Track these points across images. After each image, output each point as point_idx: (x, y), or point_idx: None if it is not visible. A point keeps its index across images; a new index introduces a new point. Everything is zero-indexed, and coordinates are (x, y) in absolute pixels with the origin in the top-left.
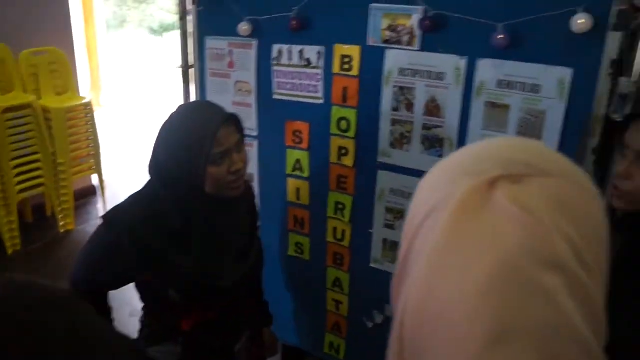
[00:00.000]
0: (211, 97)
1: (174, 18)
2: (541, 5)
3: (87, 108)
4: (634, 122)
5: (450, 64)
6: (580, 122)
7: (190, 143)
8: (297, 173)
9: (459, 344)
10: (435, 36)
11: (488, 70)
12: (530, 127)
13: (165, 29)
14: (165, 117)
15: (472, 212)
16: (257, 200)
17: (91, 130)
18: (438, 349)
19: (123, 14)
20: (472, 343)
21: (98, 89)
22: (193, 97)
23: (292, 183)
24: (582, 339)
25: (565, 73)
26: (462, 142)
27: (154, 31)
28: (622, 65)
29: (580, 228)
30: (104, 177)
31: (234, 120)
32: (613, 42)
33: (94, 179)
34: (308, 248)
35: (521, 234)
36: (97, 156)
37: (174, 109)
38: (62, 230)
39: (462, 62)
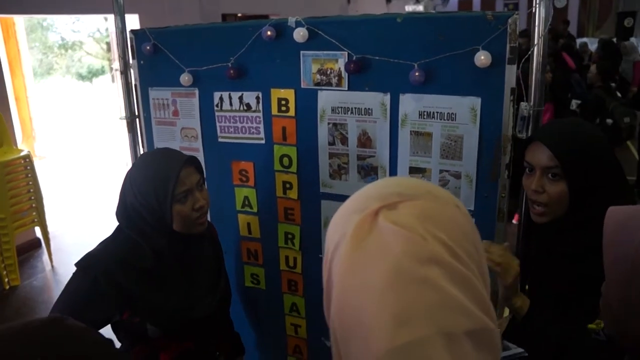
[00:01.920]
0: (158, 144)
1: (102, 63)
2: (449, 45)
3: (26, 160)
4: (533, 143)
5: (376, 100)
6: (492, 142)
7: (156, 185)
8: (247, 209)
9: (372, 334)
10: (360, 76)
11: (409, 103)
12: (451, 150)
13: (94, 74)
14: (105, 164)
15: (363, 237)
16: None
17: (32, 182)
18: (359, 340)
19: (49, 62)
20: (382, 331)
21: (31, 139)
22: (140, 146)
23: (242, 218)
24: (468, 311)
25: (475, 102)
26: (393, 167)
27: (82, 77)
28: (522, 92)
29: (448, 231)
30: (49, 229)
31: (193, 162)
32: (510, 73)
33: (37, 232)
34: (263, 277)
35: (401, 243)
36: (39, 208)
37: (113, 156)
38: (7, 287)
39: (387, 98)
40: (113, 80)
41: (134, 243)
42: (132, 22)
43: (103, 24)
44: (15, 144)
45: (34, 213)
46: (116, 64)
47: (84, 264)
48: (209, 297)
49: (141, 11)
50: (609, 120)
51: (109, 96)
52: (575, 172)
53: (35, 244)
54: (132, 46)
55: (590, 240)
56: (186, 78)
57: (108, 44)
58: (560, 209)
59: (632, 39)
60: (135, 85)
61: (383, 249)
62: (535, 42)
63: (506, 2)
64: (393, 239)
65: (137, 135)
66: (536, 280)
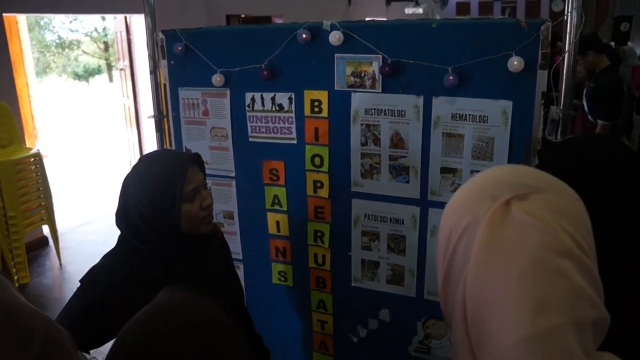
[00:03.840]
0: (187, 143)
1: (99, 62)
2: (482, 50)
3: (36, 159)
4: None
5: (410, 102)
6: (522, 144)
7: (162, 184)
8: (276, 207)
9: (510, 320)
10: (394, 79)
11: (442, 106)
12: (482, 152)
13: (90, 73)
14: (106, 162)
15: (498, 225)
16: (237, 235)
17: (41, 181)
18: (495, 325)
19: (46, 61)
20: (520, 318)
21: (33, 138)
22: (167, 144)
23: (271, 216)
24: (594, 301)
25: (507, 105)
26: (425, 168)
27: (78, 76)
28: (553, 96)
29: (574, 225)
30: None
31: (197, 161)
32: (541, 78)
33: (45, 230)
34: (291, 275)
35: (537, 235)
36: (48, 207)
37: (115, 155)
38: (16, 285)
39: (420, 100)
40: (111, 80)
41: (140, 252)
42: (138, 22)
43: (100, 23)
44: (24, 143)
45: (43, 211)
46: (120, 64)
47: (89, 280)
48: (220, 301)
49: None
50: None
51: (106, 95)
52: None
53: (42, 242)
54: (162, 46)
55: None
56: (218, 79)
57: (105, 43)
58: None
59: (630, 44)
60: (165, 84)
61: (520, 239)
62: (567, 49)
63: (504, 5)
64: (529, 230)
65: (164, 134)
66: None
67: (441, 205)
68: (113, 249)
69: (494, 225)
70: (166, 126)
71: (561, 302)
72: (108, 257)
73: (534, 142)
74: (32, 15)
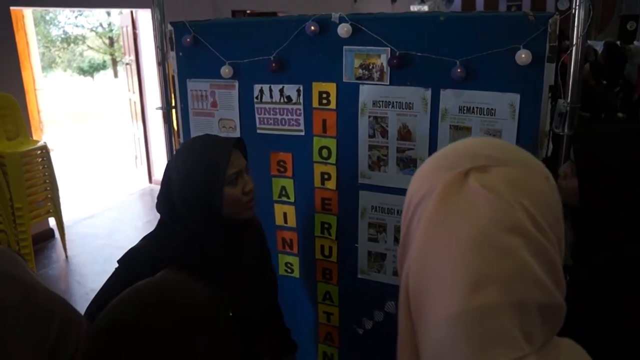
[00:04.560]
0: (195, 134)
1: (104, 57)
2: (490, 43)
3: (43, 152)
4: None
5: (417, 95)
6: (530, 137)
7: (206, 167)
8: (284, 199)
9: (448, 292)
10: (402, 72)
11: (450, 98)
12: None
13: (95, 68)
14: (111, 157)
15: (452, 196)
16: None
17: (47, 173)
18: (433, 296)
19: (51, 56)
20: (458, 291)
21: (39, 132)
22: (175, 136)
23: (278, 208)
24: (543, 284)
25: (514, 98)
26: None
27: (83, 71)
28: (560, 89)
29: (534, 202)
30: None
31: (240, 146)
32: (549, 71)
33: (51, 222)
34: (297, 266)
35: (489, 209)
36: (54, 199)
37: (119, 149)
38: None
39: (428, 93)
40: (116, 75)
41: (180, 237)
42: (145, 17)
43: (106, 18)
44: (31, 136)
45: (49, 204)
46: (126, 58)
47: (127, 261)
48: (256, 290)
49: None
50: (621, 115)
51: (111, 90)
52: (585, 172)
53: (49, 235)
54: (170, 38)
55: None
56: (227, 70)
57: (110, 38)
58: (571, 199)
59: (636, 43)
60: (172, 76)
61: (470, 212)
62: (574, 42)
63: (509, 3)
64: (481, 203)
65: (172, 125)
66: None
67: None
68: (152, 232)
69: (446, 196)
70: (174, 118)
71: (502, 281)
72: (147, 240)
73: (541, 135)
74: (39, 9)
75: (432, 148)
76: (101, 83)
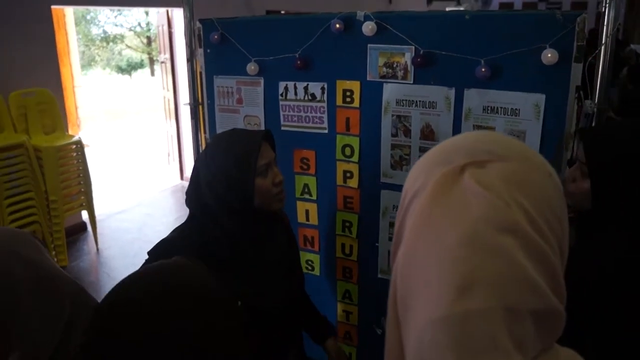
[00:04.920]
0: (221, 130)
1: (142, 56)
2: (516, 42)
3: (78, 146)
4: (580, 138)
5: (441, 94)
6: (554, 138)
7: (237, 158)
8: (306, 196)
9: (434, 294)
10: (426, 70)
11: (474, 98)
12: None
13: (133, 67)
14: (145, 153)
15: (445, 192)
16: None
17: (82, 168)
18: (420, 298)
19: (91, 54)
20: (444, 294)
21: (76, 127)
22: (202, 132)
23: (301, 205)
24: (538, 289)
25: (539, 98)
26: None
27: (122, 70)
28: (587, 90)
29: (533, 200)
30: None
31: (269, 139)
32: (576, 71)
33: (84, 216)
34: (318, 264)
35: (483, 207)
36: (88, 193)
37: (154, 146)
38: None
39: (451, 92)
40: (152, 74)
41: (209, 230)
42: (179, 16)
43: (144, 18)
44: (67, 130)
45: (83, 197)
46: (161, 57)
47: (158, 252)
48: (282, 285)
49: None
50: None
51: (148, 89)
52: (599, 172)
53: (81, 227)
54: (199, 35)
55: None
56: (252, 67)
57: (148, 37)
58: (583, 202)
59: None
60: (200, 73)
61: (463, 209)
62: (603, 42)
63: (549, 6)
64: (475, 201)
65: (199, 121)
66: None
67: None
68: (183, 224)
69: (438, 192)
70: (201, 114)
71: (491, 284)
72: (177, 232)
73: (566, 137)
74: (80, 8)
75: None
76: (138, 81)
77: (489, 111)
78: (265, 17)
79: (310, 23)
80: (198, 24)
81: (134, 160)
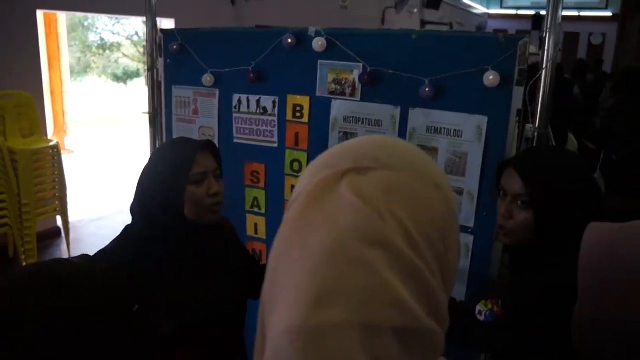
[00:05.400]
0: None
1: (138, 65)
2: (460, 63)
3: (54, 151)
4: (508, 169)
5: (387, 112)
6: (495, 161)
7: (172, 165)
8: (255, 209)
9: (291, 303)
10: (373, 88)
11: (418, 117)
12: (456, 166)
13: (129, 76)
14: (131, 162)
15: (320, 198)
16: None
17: (57, 172)
18: (279, 305)
19: (87, 61)
20: (301, 304)
21: (62, 133)
22: (160, 141)
23: (250, 218)
24: (405, 307)
25: (481, 120)
26: None
27: (117, 78)
28: (528, 114)
29: (413, 213)
30: (71, 220)
31: (210, 148)
32: (517, 95)
33: (59, 221)
34: None
35: (353, 217)
36: (62, 198)
37: (140, 153)
38: None
39: (397, 111)
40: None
41: (147, 235)
42: (168, 26)
43: (142, 27)
44: (46, 135)
45: (57, 202)
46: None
47: (98, 260)
48: (215, 294)
49: (177, 16)
50: None
51: (141, 98)
52: (543, 203)
53: (55, 233)
54: (160, 45)
55: (550, 270)
56: (208, 79)
57: (144, 47)
58: (525, 235)
59: None
60: (160, 82)
61: (333, 218)
62: (544, 66)
63: (541, 36)
64: (347, 210)
65: (158, 130)
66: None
67: None
68: (121, 233)
69: (315, 197)
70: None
71: (351, 297)
72: (115, 241)
73: None
74: (70, 14)
75: None
76: (134, 90)
77: (432, 131)
78: (223, 29)
79: (264, 37)
80: (159, 34)
81: (120, 168)
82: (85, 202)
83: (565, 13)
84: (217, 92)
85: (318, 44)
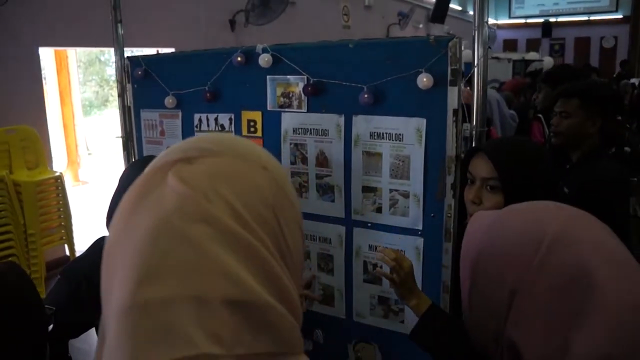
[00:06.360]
0: None
1: None
2: (395, 68)
3: (58, 181)
4: (476, 155)
5: (332, 121)
6: (437, 162)
7: (128, 183)
8: None
9: (121, 285)
10: (317, 99)
11: (361, 124)
12: (400, 170)
13: None
14: None
15: (149, 187)
16: None
17: (62, 202)
18: (112, 289)
19: (105, 94)
20: (128, 283)
21: (75, 165)
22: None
23: None
24: (238, 280)
25: (420, 122)
26: (347, 187)
27: None
28: (465, 113)
29: (239, 193)
30: (77, 248)
31: None
32: (452, 95)
33: (68, 250)
34: None
35: (176, 199)
36: (67, 227)
37: None
38: None
39: (341, 119)
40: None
41: None
42: None
43: None
44: (51, 166)
45: (63, 231)
46: None
47: (67, 272)
48: None
49: (177, 45)
50: (627, 149)
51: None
52: (512, 185)
53: (64, 261)
54: (127, 71)
55: None
56: (170, 100)
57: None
58: None
59: None
60: (129, 107)
61: (159, 202)
62: (476, 64)
63: (552, 42)
64: (171, 195)
65: (132, 153)
66: None
67: (364, 224)
68: (94, 242)
69: (144, 186)
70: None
71: (176, 272)
72: (88, 250)
73: (447, 161)
74: (72, 49)
75: (347, 174)
76: None
77: (375, 137)
78: (180, 53)
79: (217, 57)
80: (126, 61)
81: None
82: (96, 231)
83: (574, 18)
84: (179, 113)
85: (264, 60)
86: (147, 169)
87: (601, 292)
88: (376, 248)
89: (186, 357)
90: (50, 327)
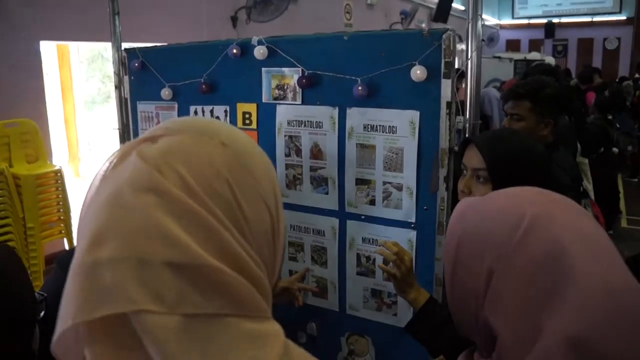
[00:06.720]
0: None
1: None
2: (389, 61)
3: (57, 175)
4: (469, 146)
5: (326, 113)
6: (430, 155)
7: None
8: None
9: (77, 250)
10: (312, 91)
11: (355, 116)
12: (393, 162)
13: None
14: None
15: (113, 165)
16: None
17: (61, 196)
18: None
19: (107, 90)
20: (82, 247)
21: (77, 160)
22: None
23: None
24: (177, 243)
25: (414, 115)
26: (341, 178)
27: None
28: (459, 106)
29: (194, 168)
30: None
31: None
32: (446, 87)
33: (67, 244)
34: None
35: (130, 173)
36: (67, 220)
37: None
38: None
39: (335, 112)
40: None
41: None
42: None
43: None
44: (51, 160)
45: (62, 225)
46: None
47: (62, 261)
48: None
49: (179, 42)
50: (615, 149)
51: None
52: (501, 176)
53: None
54: (124, 63)
55: None
56: (166, 92)
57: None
58: None
59: None
60: (126, 99)
61: (117, 177)
62: (469, 57)
63: (555, 43)
64: (128, 169)
65: None
66: None
67: (358, 217)
68: None
69: (109, 168)
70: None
71: (121, 236)
72: None
73: (441, 153)
74: (74, 44)
75: (341, 167)
76: None
77: (369, 129)
78: (177, 45)
79: (213, 49)
80: (124, 53)
81: None
82: None
83: (578, 19)
84: (175, 105)
85: (259, 52)
86: (119, 148)
87: (575, 275)
88: (369, 241)
89: (124, 313)
90: (42, 313)
